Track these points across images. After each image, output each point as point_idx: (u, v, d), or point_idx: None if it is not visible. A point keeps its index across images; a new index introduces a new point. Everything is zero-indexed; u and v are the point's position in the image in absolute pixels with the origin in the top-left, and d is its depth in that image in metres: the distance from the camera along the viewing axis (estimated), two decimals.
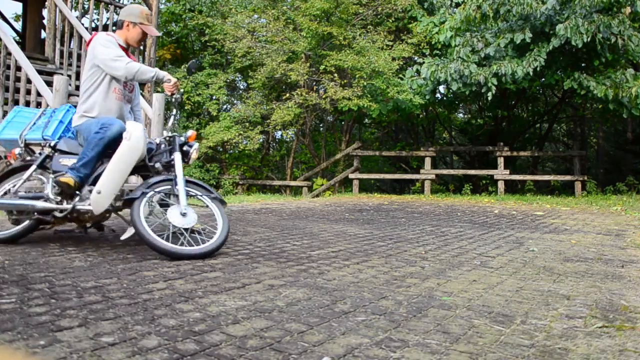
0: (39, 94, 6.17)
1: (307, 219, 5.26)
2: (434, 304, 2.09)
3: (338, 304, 2.03)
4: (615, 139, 16.62)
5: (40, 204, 3.03)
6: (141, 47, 9.53)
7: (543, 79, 9.68)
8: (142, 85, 9.21)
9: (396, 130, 15.67)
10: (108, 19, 8.78)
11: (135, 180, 3.82)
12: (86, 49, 3.42)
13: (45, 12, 9.53)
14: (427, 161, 10.65)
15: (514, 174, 11.14)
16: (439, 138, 16.80)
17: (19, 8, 15.35)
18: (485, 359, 1.51)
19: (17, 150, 3.27)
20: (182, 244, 2.89)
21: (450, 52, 9.62)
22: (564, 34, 8.01)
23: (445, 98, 12.23)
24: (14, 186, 3.20)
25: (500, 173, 10.21)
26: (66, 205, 3.03)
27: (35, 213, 3.05)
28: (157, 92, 9.83)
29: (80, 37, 7.88)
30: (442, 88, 11.59)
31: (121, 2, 10.71)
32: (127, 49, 3.34)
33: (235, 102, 14.19)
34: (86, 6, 11.89)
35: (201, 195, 3.13)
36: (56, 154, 3.21)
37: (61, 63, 8.25)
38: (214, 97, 11.60)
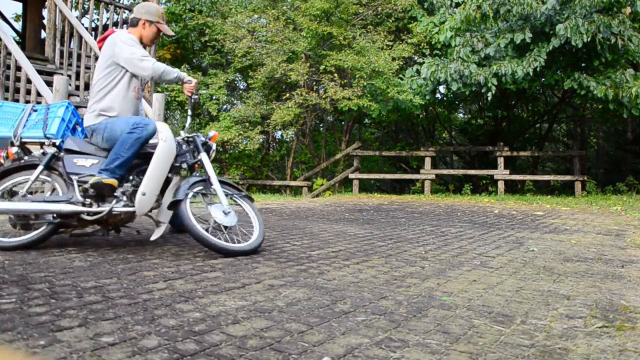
0: (39, 94, 6.17)
1: (307, 219, 5.26)
2: (434, 304, 2.09)
3: (338, 304, 2.03)
4: (615, 139, 16.62)
5: (67, 207, 2.89)
6: None
7: (543, 79, 9.68)
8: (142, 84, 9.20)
9: (396, 130, 15.67)
10: (108, 19, 8.78)
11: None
12: (99, 46, 3.26)
13: (45, 12, 9.53)
14: (427, 161, 10.66)
15: (514, 174, 11.15)
16: (439, 138, 16.80)
17: (19, 8, 15.37)
18: (485, 359, 1.51)
19: (14, 150, 3.09)
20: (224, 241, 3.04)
21: (450, 52, 9.62)
22: (564, 34, 8.01)
23: (445, 98, 12.23)
24: (13, 187, 3.05)
25: (500, 173, 10.21)
26: (100, 208, 2.93)
27: (57, 217, 2.91)
28: (157, 92, 9.83)
29: (80, 37, 7.88)
30: (442, 88, 11.59)
31: (121, 2, 10.72)
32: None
33: (235, 102, 14.19)
34: (86, 6, 11.90)
35: (234, 195, 3.24)
36: (62, 153, 3.06)
37: (61, 63, 8.25)
38: (214, 97, 11.60)
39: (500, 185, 10.15)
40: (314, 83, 10.98)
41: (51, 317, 1.72)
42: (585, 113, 13.49)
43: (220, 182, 3.19)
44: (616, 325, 1.86)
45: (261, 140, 12.23)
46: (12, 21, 13.46)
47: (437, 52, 10.55)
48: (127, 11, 9.52)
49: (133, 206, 2.98)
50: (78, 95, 8.00)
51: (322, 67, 9.86)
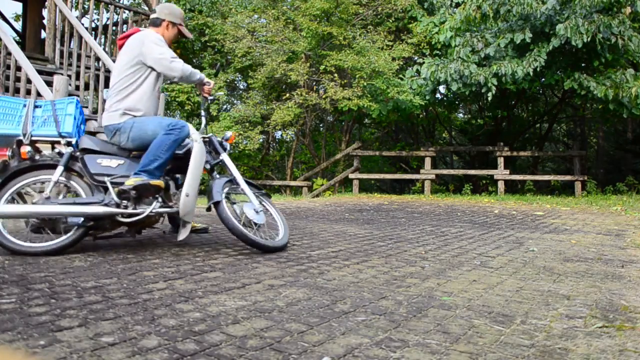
0: (39, 94, 6.17)
1: (307, 219, 5.26)
2: (434, 304, 2.09)
3: (338, 304, 2.03)
4: (615, 139, 16.62)
5: (104, 209, 2.84)
6: None
7: (543, 79, 9.68)
8: None
9: (396, 130, 15.67)
10: (108, 19, 8.78)
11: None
12: (119, 44, 3.20)
13: (45, 12, 9.53)
14: (427, 161, 10.65)
15: (514, 174, 11.14)
16: (439, 138, 16.80)
17: (19, 8, 15.36)
18: (485, 359, 1.51)
19: (27, 149, 2.87)
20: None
21: (450, 52, 9.62)
22: (564, 34, 8.01)
23: (445, 98, 12.22)
24: (25, 188, 2.92)
25: (500, 173, 10.21)
26: (139, 210, 2.90)
27: (89, 219, 2.85)
28: None
29: (80, 37, 7.88)
30: (442, 88, 11.59)
31: (121, 1, 10.72)
32: None
33: (235, 102, 14.18)
34: (86, 6, 11.90)
35: (257, 194, 3.33)
36: (79, 153, 2.96)
37: (61, 63, 8.25)
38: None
39: (500, 185, 10.15)
40: (314, 83, 10.98)
41: (51, 317, 1.72)
42: (585, 113, 13.49)
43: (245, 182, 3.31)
44: (616, 325, 1.86)
45: (261, 140, 12.23)
46: (12, 21, 13.46)
47: (437, 52, 10.55)
48: (127, 11, 9.53)
49: (169, 207, 3.00)
50: (78, 95, 8.00)
51: (322, 67, 9.86)
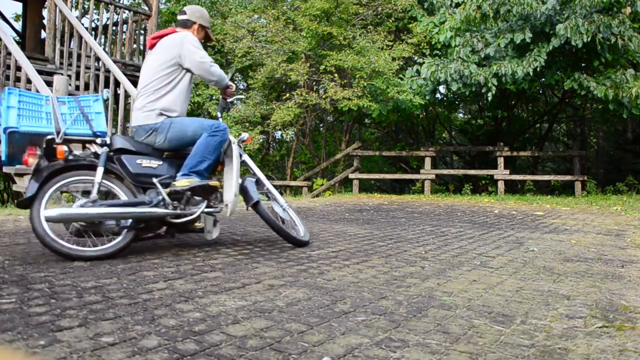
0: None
1: (307, 219, 5.26)
2: (434, 304, 2.09)
3: (338, 304, 2.03)
4: (615, 139, 16.62)
5: (158, 210, 2.83)
6: (141, 47, 9.55)
7: (543, 79, 9.68)
8: None
9: (396, 130, 15.67)
10: (108, 19, 8.77)
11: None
12: (152, 43, 3.16)
13: (45, 12, 9.54)
14: (427, 161, 10.65)
15: (514, 174, 11.15)
16: (439, 138, 16.80)
17: (19, 8, 15.36)
18: (485, 359, 1.51)
19: (64, 148, 2.73)
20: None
21: (450, 52, 9.62)
22: (564, 34, 8.01)
23: (445, 98, 12.22)
24: (66, 189, 2.79)
25: (500, 173, 10.21)
26: (190, 210, 2.93)
27: (138, 221, 2.82)
28: None
29: (80, 37, 7.88)
30: (442, 88, 11.59)
31: (121, 1, 10.72)
32: None
33: (235, 102, 14.17)
34: (86, 6, 11.90)
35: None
36: (112, 153, 2.88)
37: (61, 63, 8.25)
38: (213, 97, 11.60)
39: (500, 185, 10.15)
40: (314, 83, 10.97)
41: (51, 317, 1.72)
42: (585, 113, 13.50)
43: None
44: (616, 325, 1.86)
45: (261, 140, 12.23)
46: (12, 21, 13.46)
47: (437, 52, 10.55)
48: (127, 11, 9.53)
49: (213, 207, 3.05)
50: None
51: (322, 67, 9.86)
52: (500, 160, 10.25)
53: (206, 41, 3.41)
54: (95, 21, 10.02)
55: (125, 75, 7.85)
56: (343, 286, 2.33)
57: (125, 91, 7.24)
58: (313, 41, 10.20)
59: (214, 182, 2.94)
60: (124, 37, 9.07)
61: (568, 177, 10.69)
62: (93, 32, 9.34)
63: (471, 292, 2.31)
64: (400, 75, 10.28)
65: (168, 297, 2.04)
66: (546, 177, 11.72)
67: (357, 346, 1.57)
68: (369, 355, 1.50)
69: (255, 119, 10.72)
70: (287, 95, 10.22)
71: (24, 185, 6.05)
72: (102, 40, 9.12)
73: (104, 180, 2.80)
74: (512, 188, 11.72)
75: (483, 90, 9.00)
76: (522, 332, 1.76)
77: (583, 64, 9.29)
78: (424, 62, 9.55)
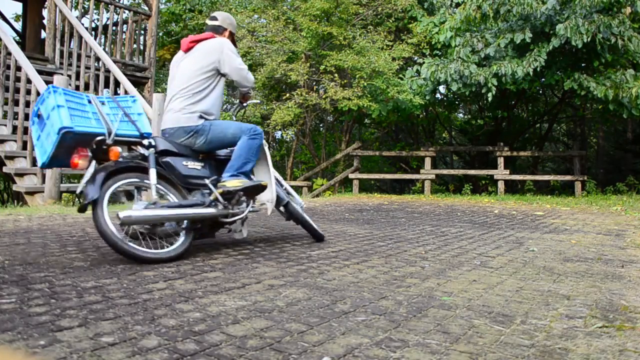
0: (39, 94, 6.17)
1: None
2: (434, 304, 2.09)
3: (338, 304, 2.03)
4: (615, 139, 16.62)
5: (218, 211, 2.94)
6: (141, 47, 9.55)
7: (543, 79, 9.68)
8: (142, 84, 9.22)
9: (396, 130, 15.67)
10: (108, 19, 8.77)
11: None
12: (189, 47, 3.21)
13: (45, 12, 9.53)
14: (427, 161, 10.65)
15: (514, 174, 11.15)
16: (439, 138, 16.80)
17: (19, 8, 15.37)
18: (485, 359, 1.51)
19: (119, 149, 2.73)
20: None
21: (450, 52, 9.62)
22: (564, 34, 8.01)
23: (445, 98, 12.22)
24: (120, 190, 2.77)
25: (500, 173, 10.21)
26: (242, 209, 3.08)
27: (195, 222, 2.88)
28: (157, 92, 9.84)
29: (80, 37, 7.88)
30: (442, 88, 11.59)
31: (121, 2, 10.72)
32: None
33: (235, 102, 14.18)
34: (86, 6, 11.90)
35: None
36: (157, 155, 2.88)
37: (61, 63, 8.25)
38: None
39: (500, 185, 10.15)
40: (314, 83, 10.97)
41: (51, 317, 1.72)
42: (585, 113, 13.49)
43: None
44: (616, 325, 1.86)
45: None
46: (12, 21, 13.46)
47: (437, 52, 10.55)
48: (127, 11, 9.52)
49: (253, 206, 3.23)
50: None
51: (322, 67, 9.86)
52: (500, 160, 10.25)
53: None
54: (95, 21, 10.01)
55: (125, 75, 7.85)
56: (343, 286, 2.33)
57: (125, 91, 7.24)
58: (313, 41, 10.20)
59: (264, 182, 3.10)
60: (124, 37, 9.06)
61: (568, 177, 10.69)
62: (93, 32, 9.34)
63: (471, 292, 2.31)
64: (400, 75, 10.28)
65: (168, 297, 2.04)
66: (546, 177, 11.72)
67: (357, 346, 1.57)
68: (369, 355, 1.50)
69: (255, 119, 10.72)
70: (287, 95, 10.22)
71: (25, 185, 6.05)
72: (102, 40, 9.12)
73: (147, 181, 2.80)
74: (512, 188, 11.72)
75: (483, 91, 9.00)
76: (522, 332, 1.76)
77: (583, 64, 9.29)
78: (424, 62, 9.55)
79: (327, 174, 12.45)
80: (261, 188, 3.12)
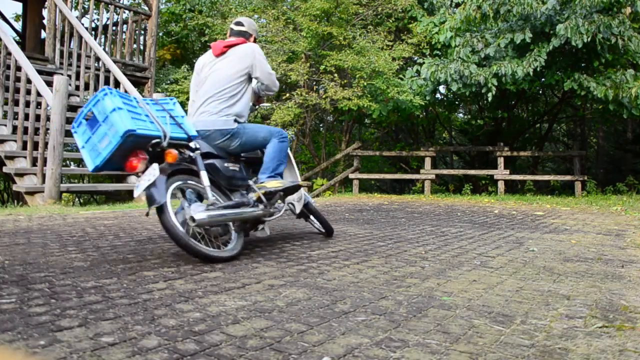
0: (39, 94, 6.17)
1: None
2: (434, 304, 2.09)
3: (338, 304, 2.03)
4: (615, 139, 16.62)
5: (262, 210, 3.09)
6: (141, 47, 9.54)
7: (543, 80, 9.68)
8: (142, 84, 9.21)
9: (396, 131, 15.67)
10: (108, 19, 8.77)
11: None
12: (223, 51, 3.27)
13: (45, 12, 9.54)
14: (427, 161, 10.65)
15: (514, 174, 11.15)
16: (439, 138, 16.80)
17: (19, 8, 15.36)
18: (485, 359, 1.51)
19: (175, 151, 2.73)
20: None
21: (450, 52, 9.62)
22: (564, 34, 8.01)
23: (445, 98, 12.22)
24: (180, 192, 2.84)
25: (500, 173, 10.21)
26: (280, 208, 3.27)
27: (244, 222, 3.00)
28: (157, 92, 9.84)
29: (80, 37, 7.88)
30: (442, 88, 11.58)
31: (121, 2, 10.72)
32: None
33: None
34: (86, 6, 11.90)
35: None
36: (199, 157, 2.90)
37: (61, 63, 8.25)
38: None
39: (500, 185, 10.15)
40: (314, 83, 10.97)
41: (51, 317, 1.72)
42: (586, 113, 13.50)
43: None
44: (616, 325, 1.86)
45: None
46: (12, 21, 13.46)
47: (437, 52, 10.55)
48: (127, 11, 9.52)
49: (283, 205, 3.38)
50: (78, 95, 8.01)
51: (322, 67, 9.85)
52: (500, 160, 10.25)
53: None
54: (95, 21, 10.01)
55: (125, 75, 7.85)
56: (343, 286, 2.33)
57: (125, 91, 7.24)
58: (313, 41, 10.20)
59: (301, 182, 3.27)
60: (124, 37, 9.06)
61: (568, 177, 10.69)
62: (93, 32, 9.34)
63: (471, 292, 2.31)
64: (401, 76, 10.28)
65: (168, 297, 2.04)
66: (546, 177, 11.72)
67: (357, 346, 1.57)
68: (369, 355, 1.50)
69: (255, 119, 10.72)
70: (287, 95, 10.22)
71: (25, 185, 6.05)
72: (102, 40, 9.12)
73: (197, 183, 2.88)
74: (512, 188, 11.72)
75: (483, 91, 9.00)
76: (522, 332, 1.76)
77: (583, 64, 9.29)
78: (424, 62, 9.55)
79: (327, 174, 12.45)
80: (297, 188, 3.31)
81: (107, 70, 7.53)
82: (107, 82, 7.58)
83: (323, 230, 3.93)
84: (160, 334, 1.61)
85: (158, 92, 10.10)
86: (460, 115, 16.82)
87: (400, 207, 7.08)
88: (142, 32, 9.39)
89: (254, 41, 3.48)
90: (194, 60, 14.27)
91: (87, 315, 1.76)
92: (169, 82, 12.01)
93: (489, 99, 9.04)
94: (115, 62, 7.97)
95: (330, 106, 10.08)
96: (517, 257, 3.29)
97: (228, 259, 2.78)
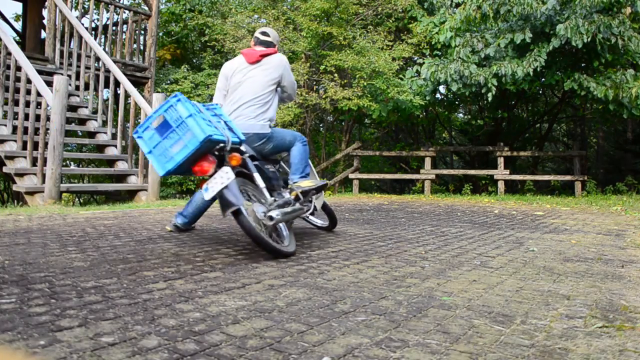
0: (39, 94, 6.17)
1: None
2: (434, 304, 2.09)
3: (338, 304, 2.03)
4: (615, 139, 16.62)
5: (305, 208, 3.31)
6: (142, 47, 9.54)
7: (543, 80, 9.68)
8: (142, 84, 9.21)
9: (396, 131, 15.67)
10: (108, 19, 8.77)
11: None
12: (257, 59, 3.44)
13: (45, 12, 9.54)
14: (427, 161, 10.65)
15: (514, 174, 11.15)
16: (439, 138, 16.80)
17: (19, 8, 15.37)
18: (485, 359, 1.51)
19: (239, 155, 2.92)
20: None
21: (451, 52, 9.62)
22: (564, 34, 8.01)
23: (445, 98, 12.22)
24: (246, 194, 2.97)
25: (500, 173, 10.21)
26: (309, 205, 3.45)
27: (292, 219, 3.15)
28: (157, 92, 9.84)
29: (80, 37, 7.88)
30: (442, 88, 11.58)
31: (121, 2, 10.72)
32: None
33: None
34: (86, 6, 11.90)
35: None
36: (249, 159, 3.08)
37: (61, 63, 8.25)
38: (214, 98, 11.59)
39: (500, 185, 10.15)
40: (314, 83, 10.97)
41: (51, 317, 1.72)
42: (586, 113, 13.50)
43: None
44: (616, 325, 1.86)
45: None
46: (12, 21, 13.46)
47: (437, 52, 10.55)
48: (127, 11, 9.52)
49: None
50: (78, 95, 8.01)
51: (322, 67, 9.86)
52: (500, 160, 10.25)
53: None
54: (95, 21, 10.01)
55: (125, 75, 7.85)
56: (343, 286, 2.33)
57: (125, 91, 7.24)
58: (313, 41, 10.20)
59: (327, 181, 3.46)
60: (123, 37, 9.06)
61: (568, 177, 10.69)
62: (93, 32, 9.34)
63: (471, 292, 2.31)
64: (401, 76, 10.28)
65: (168, 297, 2.04)
66: (546, 177, 11.72)
67: (357, 346, 1.57)
68: (369, 355, 1.50)
69: None
70: None
71: (25, 185, 6.05)
72: (102, 40, 9.12)
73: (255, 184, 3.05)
74: (512, 188, 11.72)
75: (483, 91, 9.00)
76: (522, 332, 1.76)
77: (583, 64, 9.29)
78: (424, 63, 9.55)
79: (327, 174, 12.45)
80: (325, 187, 3.52)
81: (107, 70, 7.53)
82: (107, 82, 7.58)
83: (326, 225, 4.06)
84: (160, 334, 1.61)
85: (158, 91, 10.09)
86: (460, 115, 16.82)
87: (400, 207, 7.08)
88: (142, 32, 9.39)
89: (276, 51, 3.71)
90: (194, 60, 14.29)
91: (87, 315, 1.76)
92: (169, 82, 12.02)
93: (489, 99, 9.04)
94: (115, 62, 7.97)
95: (330, 106, 10.08)
96: (517, 257, 3.29)
97: (293, 254, 3.01)
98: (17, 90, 6.81)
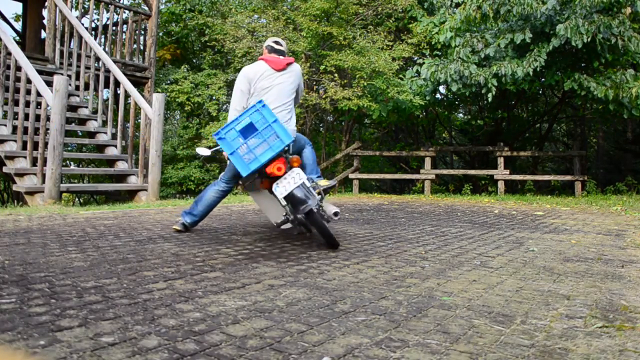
0: (39, 94, 6.17)
1: None
2: (434, 304, 2.09)
3: (338, 304, 2.03)
4: (615, 139, 16.62)
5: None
6: (142, 47, 9.54)
7: (543, 80, 9.67)
8: (142, 84, 9.21)
9: (396, 131, 15.67)
10: (108, 19, 8.77)
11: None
12: (282, 67, 3.62)
13: (45, 12, 9.54)
14: (427, 161, 10.65)
15: (514, 174, 11.14)
16: (439, 138, 16.79)
17: (19, 8, 15.37)
18: (485, 359, 1.51)
19: (297, 156, 3.31)
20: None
21: (450, 52, 9.62)
22: (564, 34, 8.01)
23: (445, 98, 12.21)
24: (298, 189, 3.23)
25: (500, 173, 10.21)
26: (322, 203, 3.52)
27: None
28: (157, 92, 9.84)
29: (80, 37, 7.88)
30: (442, 88, 11.58)
31: (121, 2, 10.72)
32: None
33: None
34: (86, 6, 11.90)
35: None
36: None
37: (61, 63, 8.25)
38: (213, 98, 11.60)
39: (500, 185, 10.15)
40: (314, 83, 10.97)
41: (51, 317, 1.72)
42: (585, 113, 13.49)
43: None
44: (616, 325, 1.86)
45: None
46: (12, 21, 13.47)
47: (437, 52, 10.54)
48: (127, 11, 9.53)
49: None
50: (78, 95, 8.01)
51: (322, 67, 9.85)
52: (500, 160, 10.24)
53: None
54: (95, 21, 10.01)
55: (125, 75, 7.85)
56: (343, 286, 2.33)
57: (125, 91, 7.24)
58: (313, 41, 10.20)
59: (336, 182, 3.50)
60: (123, 37, 9.06)
61: (568, 177, 10.69)
62: (93, 32, 9.34)
63: (471, 292, 2.31)
64: (401, 76, 10.28)
65: (168, 297, 2.04)
66: (546, 177, 11.71)
67: (357, 346, 1.57)
68: (369, 355, 1.50)
69: None
70: None
71: (25, 185, 6.05)
72: (102, 40, 9.12)
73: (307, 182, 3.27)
74: (512, 188, 11.72)
75: (483, 91, 9.00)
76: (522, 332, 1.76)
77: (583, 64, 9.29)
78: (424, 63, 9.54)
79: (327, 174, 12.44)
80: (334, 187, 3.70)
81: (107, 70, 7.53)
82: (107, 82, 7.58)
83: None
84: (160, 334, 1.61)
85: (158, 91, 10.10)
86: (460, 115, 16.81)
87: (400, 207, 7.08)
88: (142, 32, 9.39)
89: None
90: (194, 60, 14.28)
91: (87, 315, 1.76)
92: (169, 82, 12.01)
93: (489, 99, 9.03)
94: (115, 62, 7.97)
95: (330, 106, 10.08)
96: (517, 257, 3.29)
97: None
98: (17, 90, 6.81)
